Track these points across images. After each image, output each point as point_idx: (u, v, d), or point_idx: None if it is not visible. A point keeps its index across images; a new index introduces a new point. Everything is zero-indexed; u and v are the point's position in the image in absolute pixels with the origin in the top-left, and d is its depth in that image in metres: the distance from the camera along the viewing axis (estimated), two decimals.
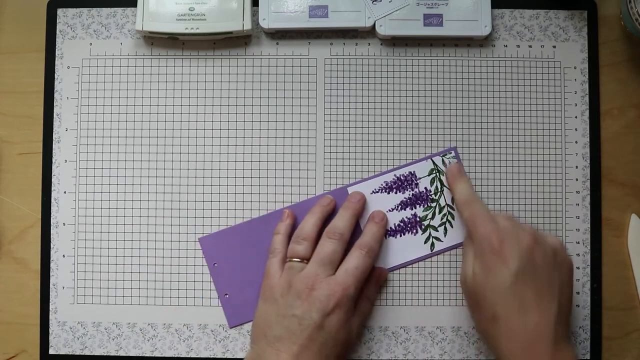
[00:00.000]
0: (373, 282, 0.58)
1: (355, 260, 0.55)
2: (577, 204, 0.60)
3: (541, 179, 0.60)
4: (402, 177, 0.60)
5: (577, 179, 0.60)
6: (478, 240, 0.53)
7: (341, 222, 0.56)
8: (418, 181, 0.60)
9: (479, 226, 0.53)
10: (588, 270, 0.59)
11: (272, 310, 0.54)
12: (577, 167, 0.60)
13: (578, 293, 0.59)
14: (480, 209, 0.55)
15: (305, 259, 0.55)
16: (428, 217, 0.59)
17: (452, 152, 0.60)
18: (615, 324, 0.59)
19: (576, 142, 0.60)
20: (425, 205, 0.59)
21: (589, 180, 0.60)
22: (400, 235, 0.59)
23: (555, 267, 0.52)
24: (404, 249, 0.59)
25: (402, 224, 0.59)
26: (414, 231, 0.59)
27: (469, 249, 0.54)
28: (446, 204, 0.59)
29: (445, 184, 0.59)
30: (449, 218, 0.59)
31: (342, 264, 0.55)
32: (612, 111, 0.60)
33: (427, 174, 0.60)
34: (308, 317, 0.52)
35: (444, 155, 0.60)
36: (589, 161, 0.60)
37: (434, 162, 0.60)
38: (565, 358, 0.50)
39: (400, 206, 0.59)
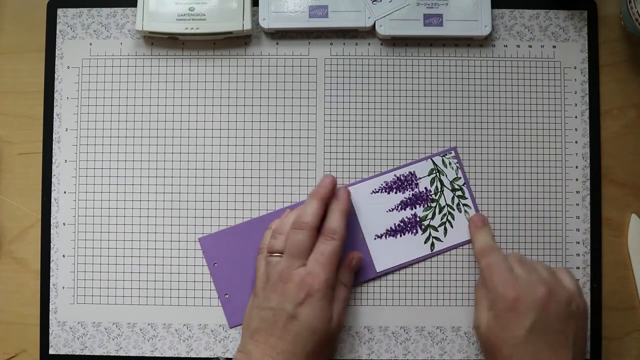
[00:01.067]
0: (345, 267, 0.57)
1: (320, 247, 0.54)
2: (577, 204, 0.60)
3: (541, 179, 0.60)
4: (402, 177, 0.60)
5: (577, 179, 0.60)
6: (493, 292, 0.53)
7: (307, 209, 0.55)
8: (418, 181, 0.59)
9: (495, 276, 0.53)
10: (588, 270, 0.59)
11: (254, 304, 0.55)
12: (577, 167, 0.60)
13: None
14: (497, 259, 0.55)
15: (282, 253, 0.55)
16: (428, 217, 0.59)
17: (452, 152, 0.60)
18: (615, 324, 0.59)
19: (576, 142, 0.60)
20: (425, 205, 0.59)
21: (589, 180, 0.60)
22: (400, 235, 0.59)
23: (570, 316, 0.52)
24: (404, 249, 0.59)
25: (402, 224, 0.59)
26: (414, 231, 0.59)
27: (483, 295, 0.55)
28: (446, 204, 0.59)
29: (445, 184, 0.59)
30: (449, 218, 0.59)
31: (311, 254, 0.54)
32: (612, 111, 0.60)
33: (427, 174, 0.60)
34: (281, 308, 0.52)
35: (444, 155, 0.60)
36: (589, 161, 0.60)
37: (434, 162, 0.60)
38: None
39: (400, 206, 0.59)
